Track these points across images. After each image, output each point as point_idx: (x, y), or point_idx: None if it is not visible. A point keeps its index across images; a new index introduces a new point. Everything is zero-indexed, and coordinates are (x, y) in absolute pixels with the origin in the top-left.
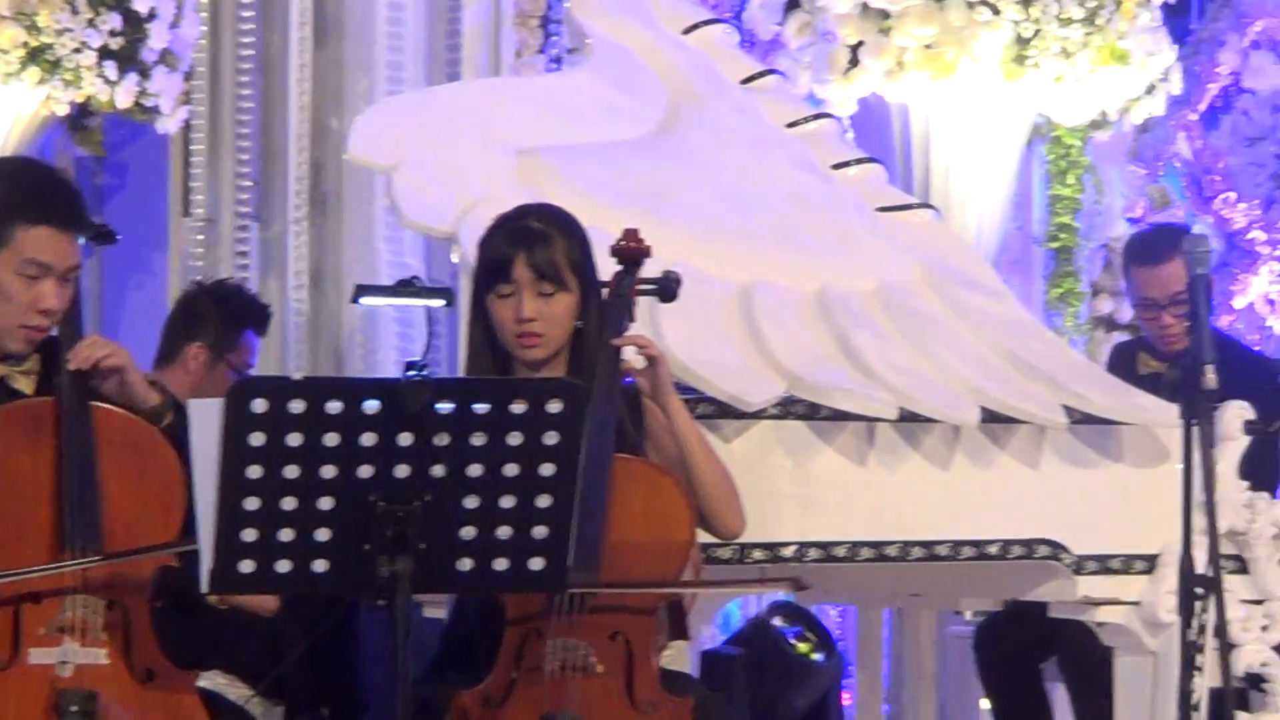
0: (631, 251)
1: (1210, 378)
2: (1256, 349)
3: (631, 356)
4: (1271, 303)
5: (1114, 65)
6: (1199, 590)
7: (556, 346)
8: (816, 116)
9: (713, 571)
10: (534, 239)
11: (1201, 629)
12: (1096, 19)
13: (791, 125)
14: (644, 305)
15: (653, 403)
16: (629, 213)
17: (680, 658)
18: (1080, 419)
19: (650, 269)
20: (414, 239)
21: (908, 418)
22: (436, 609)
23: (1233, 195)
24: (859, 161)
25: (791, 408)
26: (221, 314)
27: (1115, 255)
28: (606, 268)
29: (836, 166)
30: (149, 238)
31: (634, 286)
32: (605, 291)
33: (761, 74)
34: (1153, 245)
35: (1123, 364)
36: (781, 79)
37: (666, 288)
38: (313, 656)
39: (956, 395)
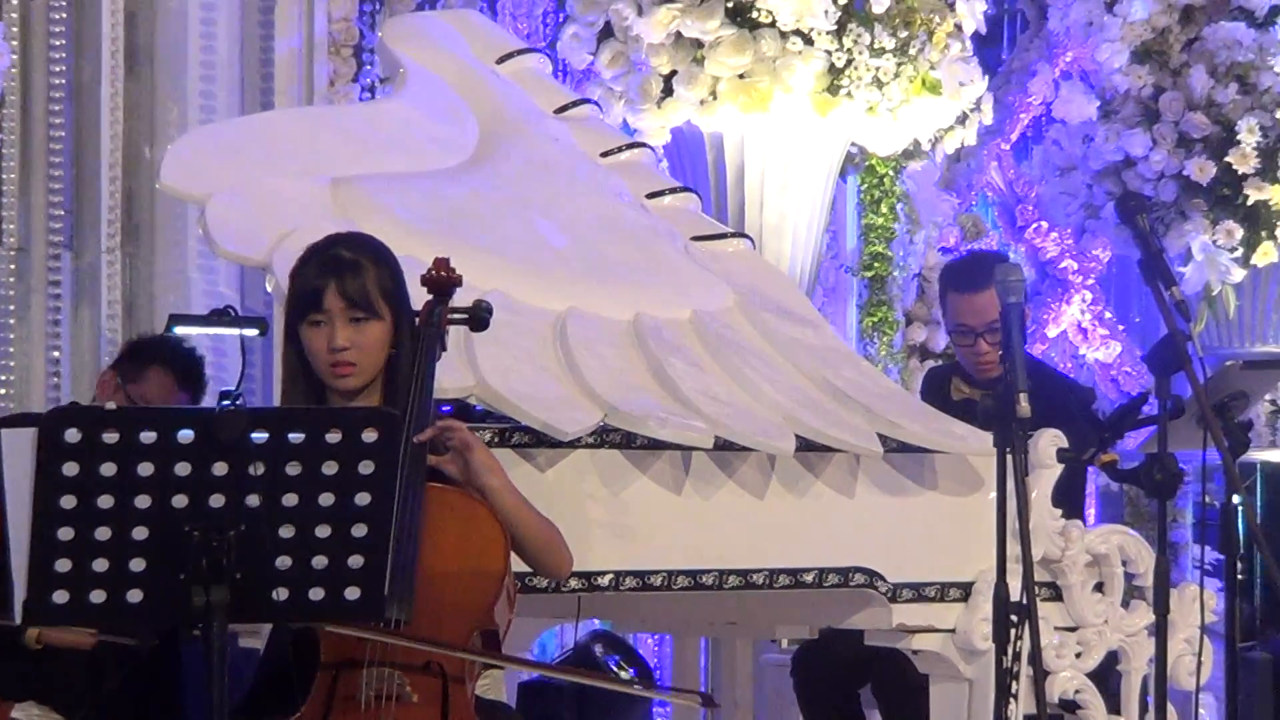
0: (442, 281)
1: (1024, 406)
2: (1069, 377)
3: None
4: (1084, 331)
5: (926, 95)
6: (1013, 618)
7: (370, 375)
8: (630, 146)
9: (529, 601)
10: (344, 268)
11: (1016, 656)
12: (909, 49)
13: (605, 154)
14: (457, 335)
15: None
16: (442, 241)
17: (496, 687)
18: (895, 447)
19: (463, 298)
20: (228, 268)
21: (724, 446)
22: (254, 639)
23: (1044, 224)
24: (673, 191)
25: (607, 437)
26: (135, 345)
27: (929, 284)
28: (420, 296)
29: (651, 196)
30: None
31: (445, 316)
32: (418, 320)
33: (575, 103)
34: (968, 272)
35: (936, 391)
36: (595, 108)
37: (478, 317)
38: (131, 687)
39: (772, 424)
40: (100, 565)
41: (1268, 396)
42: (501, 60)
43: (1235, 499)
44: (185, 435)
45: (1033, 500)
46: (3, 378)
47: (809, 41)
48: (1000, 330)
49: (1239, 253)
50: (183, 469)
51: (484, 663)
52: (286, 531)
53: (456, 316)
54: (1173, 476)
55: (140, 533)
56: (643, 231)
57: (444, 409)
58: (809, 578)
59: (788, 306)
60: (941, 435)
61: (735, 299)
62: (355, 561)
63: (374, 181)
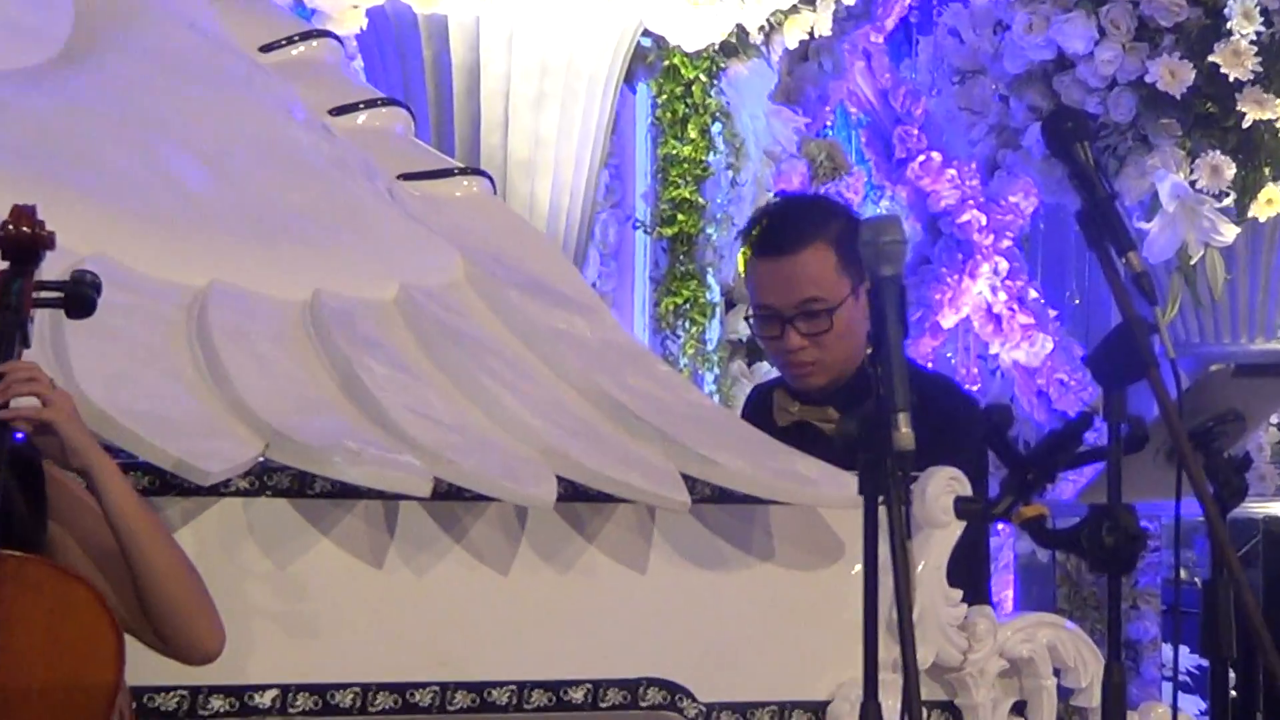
0: (23, 241)
1: (904, 432)
2: (969, 393)
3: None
4: (996, 319)
5: None
6: None
7: None
8: (307, 35)
9: None
10: None
11: None
12: None
13: (268, 48)
14: (45, 321)
15: (63, 470)
16: (19, 181)
17: None
18: (709, 495)
19: (55, 266)
20: None
21: (448, 494)
22: None
23: (936, 157)
24: (371, 104)
25: (270, 480)
26: None
27: None
28: None
29: (338, 111)
30: None
31: (28, 293)
32: None
33: None
34: (776, 226)
35: (761, 414)
36: None
37: (78, 296)
38: None
39: (521, 459)
40: None
41: (1274, 419)
42: None
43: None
44: None
45: (918, 575)
46: None
47: None
48: (819, 314)
49: (1230, 200)
50: None
51: None
52: None
53: (45, 295)
54: (1130, 540)
55: None
56: (325, 166)
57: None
58: (578, 695)
59: (546, 281)
60: (779, 477)
61: (466, 269)
62: None
63: None
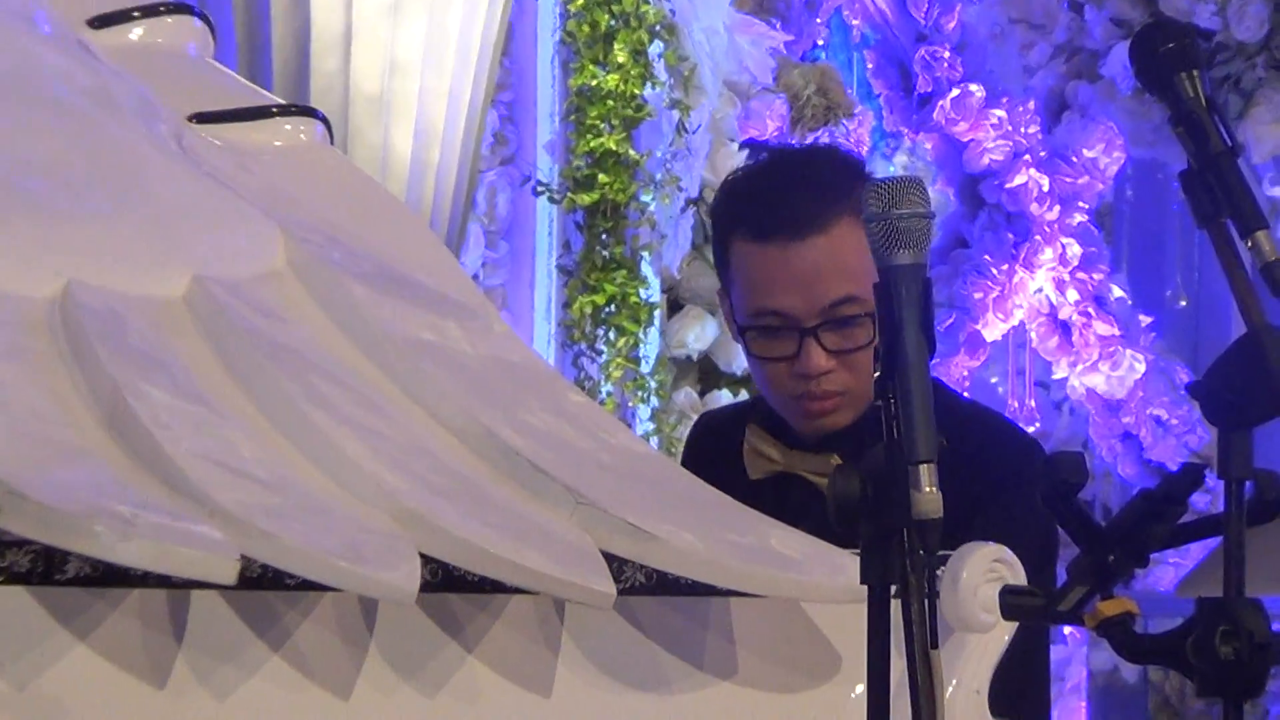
0: None
1: (928, 493)
2: (1023, 431)
3: None
4: (1062, 326)
5: None
6: None
7: None
8: None
9: None
10: None
11: None
12: None
13: None
14: None
15: None
16: None
17: None
18: (644, 584)
19: None
20: None
21: (260, 580)
22: None
23: (976, 91)
24: (150, 11)
25: (3, 559)
26: None
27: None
28: None
29: (101, 23)
30: None
31: None
32: None
33: None
34: (780, 192)
35: (715, 459)
36: None
37: None
38: None
39: (369, 530)
40: None
41: None
42: None
43: None
44: None
45: (948, 700)
46: None
47: None
48: (858, 322)
49: None
50: None
51: None
52: None
53: None
54: (1256, 650)
55: None
56: (81, 101)
57: None
58: None
59: (405, 270)
60: (747, 558)
61: (288, 253)
62: None
63: None
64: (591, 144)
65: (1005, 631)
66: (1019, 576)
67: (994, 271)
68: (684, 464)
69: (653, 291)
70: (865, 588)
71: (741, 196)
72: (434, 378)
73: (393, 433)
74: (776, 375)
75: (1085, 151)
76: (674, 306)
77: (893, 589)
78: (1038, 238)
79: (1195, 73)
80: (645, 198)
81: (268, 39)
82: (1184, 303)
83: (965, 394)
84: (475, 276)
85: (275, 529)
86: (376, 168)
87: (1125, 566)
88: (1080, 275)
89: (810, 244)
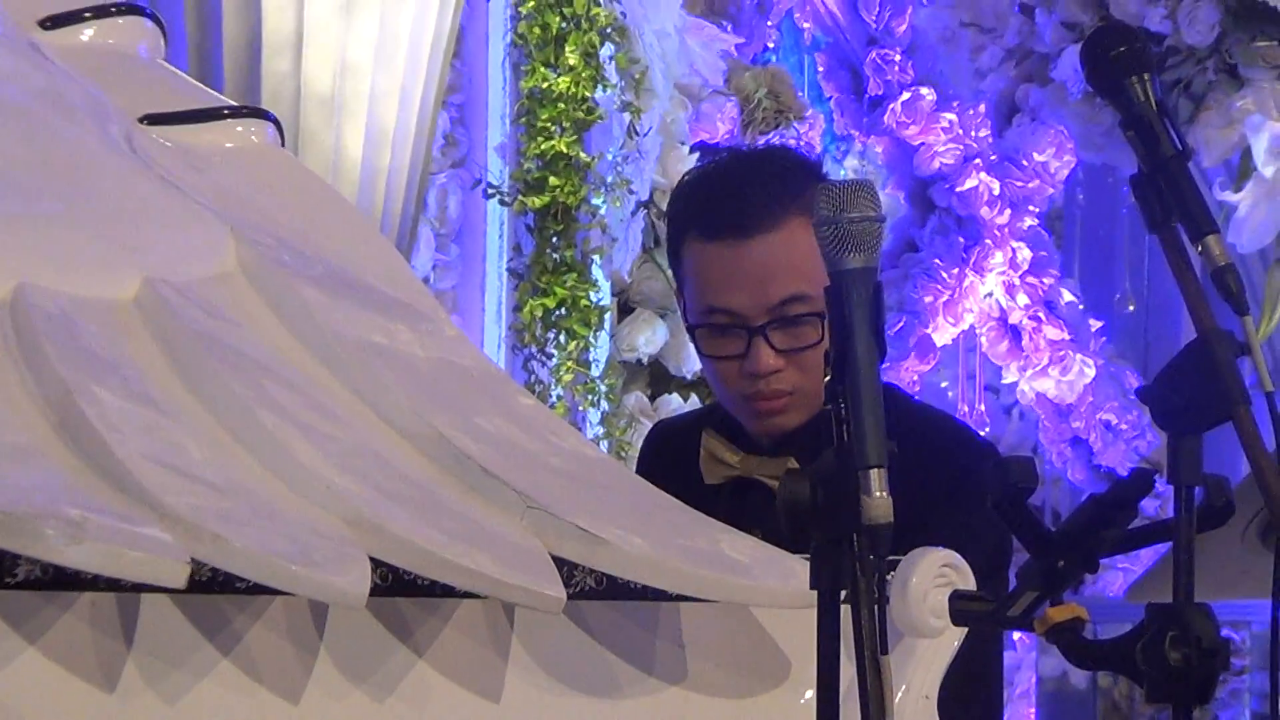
0: None
1: (878, 498)
2: (976, 434)
3: None
4: (1012, 331)
5: None
6: None
7: None
8: None
9: None
10: None
11: None
12: None
13: None
14: None
15: None
16: None
17: None
18: (594, 589)
19: None
20: None
21: (209, 584)
22: None
23: (927, 94)
24: (101, 12)
25: None
26: None
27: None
28: None
29: (53, 24)
30: None
31: None
32: None
33: None
34: (732, 193)
35: (668, 464)
36: None
37: None
38: None
39: (319, 534)
40: None
41: None
42: None
43: None
44: None
45: (897, 705)
46: None
47: None
48: (806, 320)
49: None
50: None
51: None
52: None
53: None
54: (1205, 656)
55: None
56: (30, 101)
57: None
58: None
59: (356, 273)
60: (698, 562)
61: (239, 255)
62: None
63: None
64: (542, 146)
65: (955, 637)
66: (968, 582)
67: (944, 275)
68: (639, 470)
69: (603, 295)
70: (815, 593)
71: (694, 196)
72: (385, 381)
73: (343, 436)
74: (727, 374)
75: (1036, 155)
76: (624, 310)
77: (842, 594)
78: (988, 242)
79: (1146, 77)
80: (596, 200)
81: (219, 40)
82: (1133, 307)
83: (915, 397)
84: (426, 279)
85: (226, 532)
86: (328, 170)
87: (1075, 572)
88: (1030, 279)
89: (759, 242)
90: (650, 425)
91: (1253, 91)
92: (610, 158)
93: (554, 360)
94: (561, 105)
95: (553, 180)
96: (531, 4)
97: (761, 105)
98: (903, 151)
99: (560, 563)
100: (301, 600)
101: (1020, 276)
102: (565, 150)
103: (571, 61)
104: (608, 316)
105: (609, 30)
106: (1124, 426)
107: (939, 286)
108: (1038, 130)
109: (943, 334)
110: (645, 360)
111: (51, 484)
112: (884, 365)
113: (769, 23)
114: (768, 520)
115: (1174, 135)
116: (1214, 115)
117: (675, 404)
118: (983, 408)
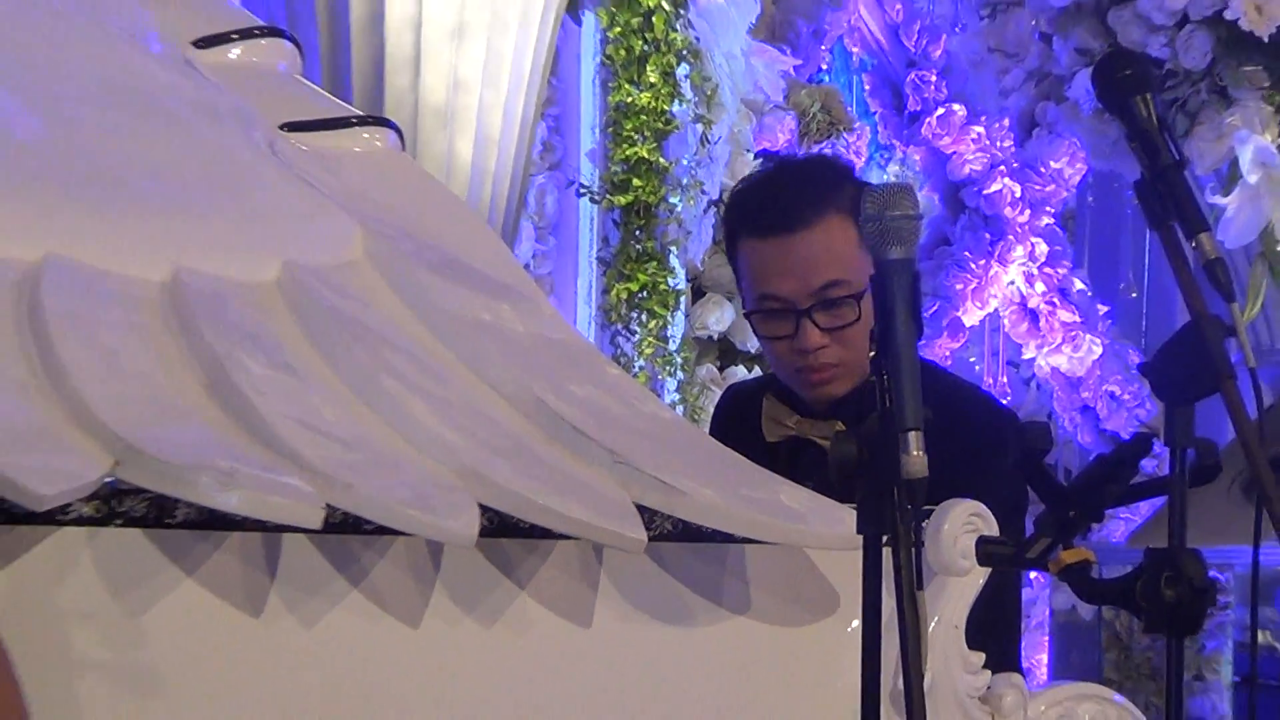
0: None
1: (915, 456)
2: (1000, 403)
3: None
4: (1031, 315)
5: None
6: None
7: None
8: None
9: None
10: None
11: None
12: None
13: None
14: None
15: None
16: None
17: None
18: (671, 532)
19: None
20: None
21: (342, 526)
22: None
23: (959, 110)
24: (246, 34)
25: (120, 505)
26: None
27: None
28: None
29: (204, 44)
30: None
31: None
32: None
33: None
34: (780, 194)
35: (737, 424)
36: None
37: None
38: None
39: (435, 483)
40: None
41: None
42: None
43: None
44: None
45: (931, 634)
46: None
47: None
48: (847, 302)
49: None
50: None
51: None
52: None
53: None
54: (1195, 593)
55: None
56: (188, 111)
57: None
58: None
59: (466, 260)
60: (759, 510)
61: (366, 244)
62: None
63: None
64: (627, 152)
65: (980, 576)
66: (992, 529)
67: (973, 266)
68: (711, 427)
69: (679, 280)
70: (860, 537)
71: (745, 202)
72: (490, 352)
73: (455, 399)
74: (781, 351)
75: (1052, 163)
76: (697, 293)
77: (884, 538)
78: (1010, 237)
79: (1148, 96)
80: (673, 199)
81: (348, 59)
82: (1135, 294)
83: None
84: (526, 266)
85: (354, 481)
86: (441, 171)
87: (1084, 521)
88: (1047, 270)
89: (801, 237)
90: (720, 392)
91: (1240, 110)
92: (685, 162)
93: (637, 336)
94: (643, 117)
95: (635, 181)
96: (618, 29)
97: (816, 119)
98: (937, 159)
99: (642, 510)
100: (419, 540)
101: (1038, 267)
102: (646, 156)
103: (652, 79)
104: (683, 299)
105: (685, 52)
106: (1126, 397)
107: (968, 275)
108: (1054, 141)
109: (971, 316)
110: (715, 337)
111: (206, 439)
112: (921, 343)
113: (823, 47)
114: (820, 474)
115: (1172, 147)
116: (1206, 130)
117: (741, 374)
118: (1005, 380)
